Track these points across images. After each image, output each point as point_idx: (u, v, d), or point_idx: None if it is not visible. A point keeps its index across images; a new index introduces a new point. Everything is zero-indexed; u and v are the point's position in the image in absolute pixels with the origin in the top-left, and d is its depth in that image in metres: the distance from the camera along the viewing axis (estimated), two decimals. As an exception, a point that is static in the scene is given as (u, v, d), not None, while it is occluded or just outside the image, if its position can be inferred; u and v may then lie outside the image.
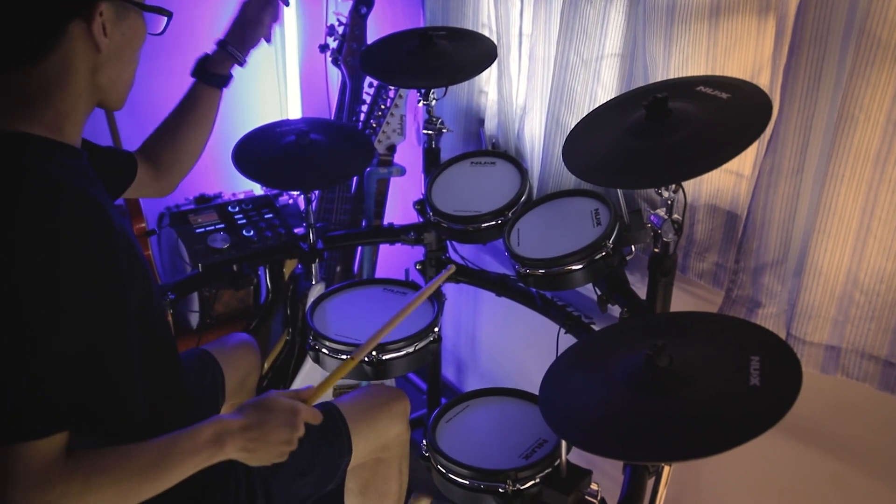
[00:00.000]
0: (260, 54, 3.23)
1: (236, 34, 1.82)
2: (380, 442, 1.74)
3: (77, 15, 1.15)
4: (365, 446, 1.70)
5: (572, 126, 1.67)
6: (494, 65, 2.14)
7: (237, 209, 2.43)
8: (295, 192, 2.90)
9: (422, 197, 2.13)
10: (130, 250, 1.20)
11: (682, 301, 1.89)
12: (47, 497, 1.09)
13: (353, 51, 2.63)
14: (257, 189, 2.97)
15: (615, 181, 1.56)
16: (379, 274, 2.89)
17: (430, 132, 2.21)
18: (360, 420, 1.70)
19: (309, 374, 2.43)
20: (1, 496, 1.08)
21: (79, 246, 1.09)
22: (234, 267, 2.25)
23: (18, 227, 1.07)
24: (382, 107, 2.56)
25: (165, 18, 1.33)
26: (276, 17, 1.85)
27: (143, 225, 2.70)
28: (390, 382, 2.56)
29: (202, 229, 2.33)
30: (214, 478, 1.47)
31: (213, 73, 1.80)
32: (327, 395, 2.46)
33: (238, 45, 1.82)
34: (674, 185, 1.47)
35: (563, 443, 1.49)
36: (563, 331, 1.99)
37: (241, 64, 1.82)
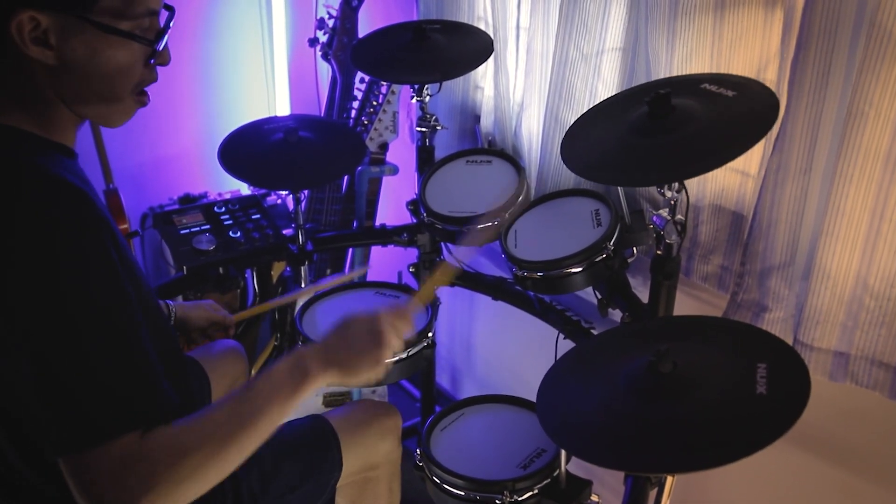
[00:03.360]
0: (247, 48, 3.24)
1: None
2: (370, 458, 1.74)
3: (5, 19, 1.12)
4: (355, 462, 1.70)
5: (571, 123, 1.67)
6: (491, 59, 2.13)
7: (223, 209, 2.42)
8: (283, 192, 2.89)
9: (415, 197, 2.13)
10: (120, 241, 1.21)
11: (685, 305, 1.89)
12: (133, 486, 1.08)
13: (343, 45, 2.63)
14: (244, 189, 2.97)
15: (616, 180, 1.56)
16: (371, 277, 2.89)
17: (423, 129, 2.21)
18: (350, 435, 1.70)
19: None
20: (88, 500, 1.08)
21: (68, 232, 1.10)
22: (221, 269, 2.24)
23: (18, 224, 1.08)
24: (374, 103, 2.56)
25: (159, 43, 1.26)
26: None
27: (126, 226, 2.70)
28: (382, 390, 2.56)
29: (187, 230, 2.32)
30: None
31: None
32: (319, 409, 2.46)
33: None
34: (677, 185, 1.46)
35: (563, 452, 1.48)
36: (561, 336, 1.98)
37: None
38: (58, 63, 1.17)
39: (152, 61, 1.26)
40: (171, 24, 1.27)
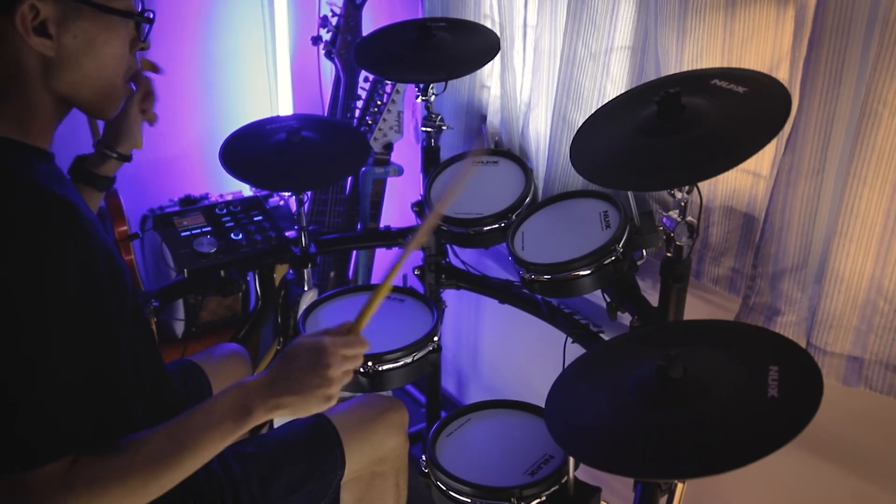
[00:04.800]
0: (249, 46, 3.25)
1: (109, 130, 1.70)
2: (375, 455, 1.75)
3: (2, 15, 1.14)
4: (360, 459, 1.71)
5: (580, 123, 1.68)
6: (497, 58, 2.14)
7: (225, 211, 2.43)
8: (286, 193, 2.90)
9: (420, 198, 2.14)
10: (106, 250, 1.22)
11: (696, 309, 1.89)
12: None
13: (347, 43, 2.64)
14: (246, 190, 2.97)
15: (625, 182, 1.56)
16: (375, 280, 2.89)
17: (429, 129, 2.21)
18: (354, 432, 1.70)
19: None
20: None
21: (56, 251, 1.10)
22: (222, 272, 2.25)
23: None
24: (379, 102, 2.57)
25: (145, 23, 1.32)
26: (147, 100, 1.73)
27: (125, 228, 2.71)
28: (387, 393, 2.56)
29: (188, 232, 2.32)
30: (201, 495, 1.47)
31: (93, 175, 1.70)
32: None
33: (111, 143, 1.69)
34: (687, 186, 1.47)
35: (571, 459, 1.49)
36: (570, 340, 1.99)
37: (127, 159, 1.72)
38: (55, 54, 1.18)
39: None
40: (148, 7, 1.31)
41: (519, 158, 2.11)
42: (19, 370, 1.08)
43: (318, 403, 1.28)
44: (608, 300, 1.82)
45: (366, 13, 2.63)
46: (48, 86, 1.21)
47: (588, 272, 1.67)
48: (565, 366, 1.44)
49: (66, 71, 1.21)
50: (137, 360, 1.33)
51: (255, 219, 2.42)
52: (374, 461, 1.76)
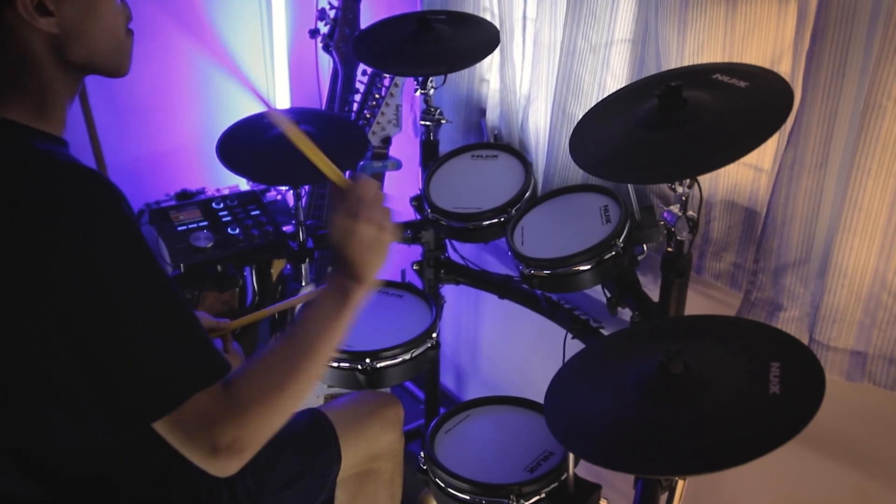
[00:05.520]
0: (246, 39, 3.24)
1: None
2: (370, 451, 1.75)
3: (3, 6, 1.15)
4: (355, 455, 1.71)
5: (580, 117, 1.67)
6: (497, 51, 2.14)
7: (222, 205, 2.43)
8: (283, 188, 2.90)
9: (419, 192, 2.13)
10: None
11: (697, 304, 1.89)
12: (229, 431, 1.17)
13: (345, 36, 2.63)
14: (243, 184, 2.97)
15: (626, 176, 1.55)
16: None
17: (427, 123, 2.21)
18: (349, 427, 1.71)
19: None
20: (192, 453, 1.17)
21: (125, 221, 1.16)
22: (219, 267, 2.25)
23: (65, 216, 1.11)
24: (377, 96, 2.56)
25: None
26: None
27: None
28: (383, 391, 2.56)
29: (184, 227, 2.32)
30: (196, 488, 1.47)
31: None
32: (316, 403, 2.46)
33: None
34: (688, 180, 1.47)
35: (571, 455, 1.49)
36: (570, 336, 1.99)
37: None
38: (60, 30, 1.18)
39: None
40: None
41: (518, 152, 2.11)
42: (146, 327, 1.15)
43: (383, 257, 1.45)
44: (608, 295, 1.82)
45: (364, 6, 2.63)
46: (63, 63, 1.22)
47: (588, 267, 1.67)
48: (565, 362, 1.44)
49: (75, 42, 1.21)
50: None
51: (253, 213, 2.42)
52: (369, 457, 1.76)
